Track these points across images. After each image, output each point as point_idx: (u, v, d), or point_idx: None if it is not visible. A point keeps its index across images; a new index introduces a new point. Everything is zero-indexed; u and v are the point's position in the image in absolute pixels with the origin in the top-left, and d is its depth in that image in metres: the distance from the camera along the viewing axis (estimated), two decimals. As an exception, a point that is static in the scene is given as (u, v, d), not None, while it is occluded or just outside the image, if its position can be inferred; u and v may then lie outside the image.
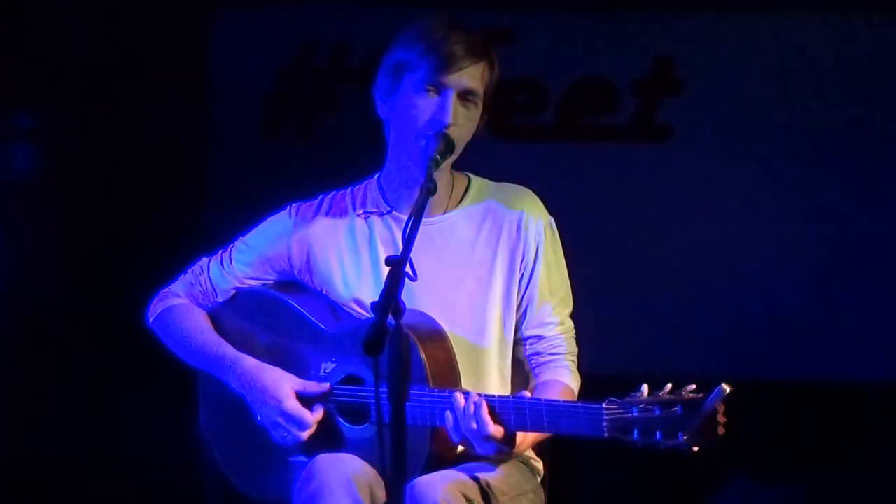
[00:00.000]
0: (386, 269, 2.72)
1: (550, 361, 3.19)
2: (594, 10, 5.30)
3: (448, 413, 2.94)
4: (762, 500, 4.99)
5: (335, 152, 5.15)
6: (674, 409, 2.75)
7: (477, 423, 2.91)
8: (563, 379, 3.16)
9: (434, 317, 3.11)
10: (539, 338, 3.19)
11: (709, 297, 5.29)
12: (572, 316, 3.24)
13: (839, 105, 5.31)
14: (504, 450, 2.97)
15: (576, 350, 3.22)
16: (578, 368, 3.21)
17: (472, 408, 2.92)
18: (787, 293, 5.32)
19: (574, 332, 3.23)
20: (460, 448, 3.06)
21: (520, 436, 3.00)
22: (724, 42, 5.30)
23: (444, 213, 3.20)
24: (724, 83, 5.30)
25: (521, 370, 3.21)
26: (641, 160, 5.34)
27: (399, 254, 2.74)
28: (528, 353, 3.20)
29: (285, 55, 5.31)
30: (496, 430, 2.91)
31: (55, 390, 4.98)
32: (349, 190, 3.28)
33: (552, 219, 3.23)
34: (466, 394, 2.95)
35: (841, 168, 5.35)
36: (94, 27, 5.08)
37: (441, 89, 3.06)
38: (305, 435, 3.11)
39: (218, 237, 3.38)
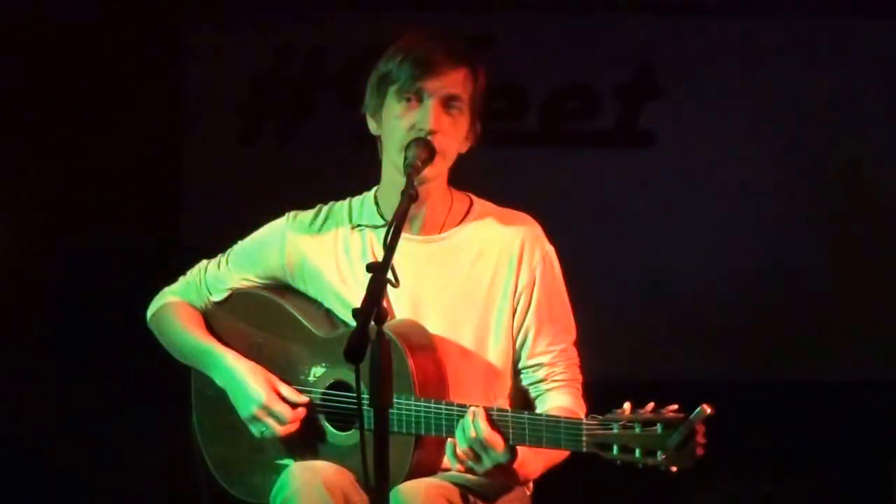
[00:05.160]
0: None
1: (553, 388, 3.15)
2: (575, 15, 5.30)
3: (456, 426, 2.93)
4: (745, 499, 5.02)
5: (312, 159, 5.15)
6: (654, 427, 2.74)
7: (475, 429, 2.88)
8: (564, 403, 3.12)
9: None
10: (540, 366, 3.16)
11: (691, 300, 5.30)
12: (575, 345, 3.20)
13: (821, 110, 5.33)
14: (501, 461, 2.92)
15: (580, 378, 3.18)
16: (583, 397, 3.17)
17: (471, 416, 2.89)
18: (772, 296, 5.33)
19: (578, 360, 3.19)
20: (446, 460, 3.04)
21: (526, 457, 2.97)
22: (706, 48, 5.31)
23: (443, 232, 3.18)
24: (705, 89, 5.31)
25: (527, 399, 3.17)
26: (623, 165, 5.36)
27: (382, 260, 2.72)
28: (530, 381, 3.17)
29: (261, 63, 5.32)
30: (492, 436, 2.88)
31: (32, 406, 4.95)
32: (348, 202, 3.27)
33: (551, 248, 3.20)
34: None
35: (824, 172, 5.37)
36: (71, 38, 5.08)
37: (422, 96, 3.04)
38: (283, 431, 3.11)
39: (194, 244, 3.40)
